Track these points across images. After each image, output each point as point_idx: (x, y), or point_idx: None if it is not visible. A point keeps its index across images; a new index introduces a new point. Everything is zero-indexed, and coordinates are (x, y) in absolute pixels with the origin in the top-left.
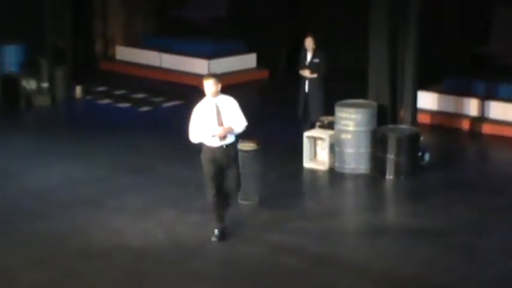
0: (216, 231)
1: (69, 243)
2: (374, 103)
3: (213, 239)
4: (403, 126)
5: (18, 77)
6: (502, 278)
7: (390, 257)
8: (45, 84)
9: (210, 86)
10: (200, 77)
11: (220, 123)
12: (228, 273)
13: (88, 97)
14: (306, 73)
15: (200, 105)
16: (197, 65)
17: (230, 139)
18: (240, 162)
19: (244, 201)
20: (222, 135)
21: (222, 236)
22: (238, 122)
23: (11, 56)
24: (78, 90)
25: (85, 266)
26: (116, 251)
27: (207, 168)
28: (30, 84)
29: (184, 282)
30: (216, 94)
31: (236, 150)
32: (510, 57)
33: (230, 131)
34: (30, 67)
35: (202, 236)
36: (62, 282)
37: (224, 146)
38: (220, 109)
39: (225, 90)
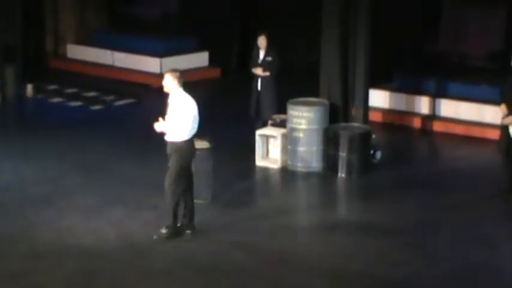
0: (166, 229)
1: (18, 242)
2: (326, 101)
3: (160, 236)
4: (354, 124)
5: None
6: (452, 275)
7: (342, 253)
8: None
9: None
10: (152, 76)
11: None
12: (180, 271)
13: (39, 95)
14: (258, 71)
15: None
16: (149, 63)
17: (169, 137)
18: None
19: (197, 200)
20: (157, 130)
21: (171, 235)
22: (168, 123)
23: None
24: (29, 88)
25: (34, 265)
26: (66, 250)
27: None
28: None
29: (135, 280)
30: (168, 90)
31: (174, 150)
32: (459, 55)
33: (163, 129)
34: None
35: (154, 234)
36: (10, 282)
37: (167, 142)
38: (169, 106)
39: None
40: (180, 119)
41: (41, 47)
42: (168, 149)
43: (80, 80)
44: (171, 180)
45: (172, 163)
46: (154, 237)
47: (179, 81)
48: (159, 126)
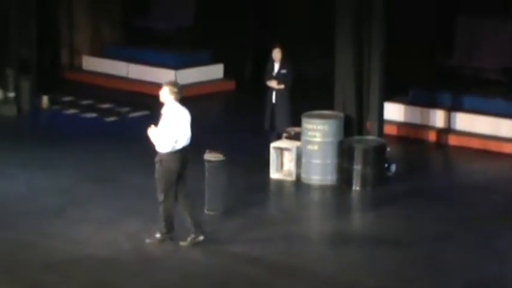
0: (160, 235)
1: (32, 253)
2: (341, 114)
3: (152, 240)
4: (369, 137)
5: None
6: None
7: (354, 267)
8: (11, 94)
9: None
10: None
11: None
12: (192, 283)
13: (54, 107)
14: (273, 84)
15: None
16: (164, 76)
17: (156, 147)
18: (206, 172)
19: (209, 212)
20: (150, 136)
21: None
22: (157, 134)
23: None
24: (45, 100)
25: (48, 276)
26: (79, 261)
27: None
28: None
29: None
30: (163, 101)
31: (159, 160)
32: (474, 68)
33: (152, 137)
34: None
35: (167, 246)
36: None
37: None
38: (161, 116)
39: (191, 100)
40: (166, 132)
41: (56, 59)
42: (155, 158)
43: (95, 91)
44: (160, 189)
45: (158, 174)
46: (147, 240)
47: (176, 96)
48: (151, 132)
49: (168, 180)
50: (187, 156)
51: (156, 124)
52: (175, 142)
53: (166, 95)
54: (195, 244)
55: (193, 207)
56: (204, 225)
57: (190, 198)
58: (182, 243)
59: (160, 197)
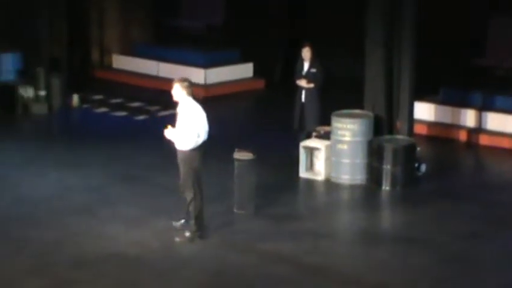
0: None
1: (63, 251)
2: (370, 113)
3: (182, 239)
4: (399, 136)
5: (16, 85)
6: None
7: (385, 268)
8: (42, 93)
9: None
10: (196, 87)
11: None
12: (222, 282)
13: (84, 105)
14: (302, 83)
15: None
16: (193, 75)
17: (177, 146)
18: (235, 171)
19: (239, 211)
20: (167, 137)
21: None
22: (177, 132)
23: (8, 64)
24: (75, 98)
25: (78, 274)
26: (109, 260)
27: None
28: (27, 92)
29: None
30: (177, 99)
31: (183, 158)
32: (506, 68)
33: (172, 137)
34: (27, 75)
35: (196, 245)
36: None
37: (177, 151)
38: (178, 115)
39: (221, 99)
40: (187, 129)
41: (86, 57)
42: (178, 157)
43: (125, 90)
44: (188, 186)
45: (185, 172)
46: (177, 239)
47: (188, 91)
48: (168, 133)
49: (195, 177)
50: (205, 151)
51: (173, 124)
52: (198, 137)
53: (178, 91)
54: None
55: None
56: (233, 224)
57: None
58: (177, 239)
59: (190, 194)
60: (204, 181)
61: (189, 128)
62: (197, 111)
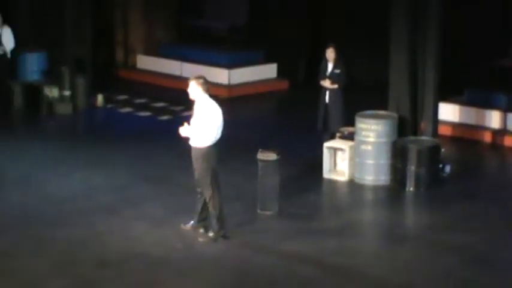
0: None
1: (87, 250)
2: (395, 114)
3: (205, 239)
4: (423, 137)
5: (41, 85)
6: None
7: (409, 269)
8: (67, 92)
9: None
10: (220, 87)
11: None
12: (245, 283)
13: (109, 105)
14: (326, 84)
15: None
16: (217, 75)
17: (193, 142)
18: (259, 172)
19: (263, 211)
20: (182, 134)
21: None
22: (193, 129)
23: (33, 64)
24: (100, 98)
25: (102, 273)
26: (133, 259)
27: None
28: (52, 92)
29: None
30: (193, 97)
31: (199, 155)
32: None
33: (188, 134)
34: (52, 75)
35: (220, 245)
36: None
37: (191, 147)
38: (194, 112)
39: (244, 100)
40: (204, 126)
41: (111, 57)
42: (193, 154)
43: (149, 90)
44: (206, 184)
45: (202, 169)
46: (200, 239)
47: (204, 88)
48: (183, 131)
49: (212, 174)
50: (220, 149)
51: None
52: (216, 132)
53: (194, 88)
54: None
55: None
56: (256, 224)
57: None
58: (200, 239)
59: (209, 192)
60: (227, 181)
61: (205, 124)
62: (213, 107)
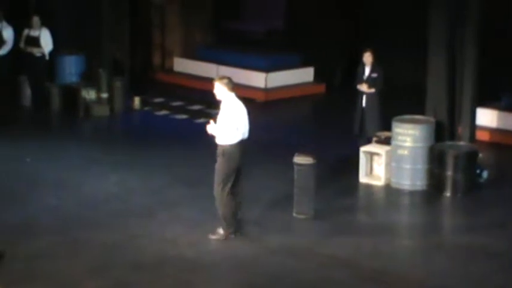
0: (232, 230)
1: (122, 252)
2: (432, 119)
3: (216, 237)
4: (461, 143)
5: (78, 87)
6: None
7: (445, 275)
8: (104, 95)
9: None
10: (257, 90)
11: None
12: (279, 286)
13: (146, 108)
14: (363, 88)
15: None
16: (254, 78)
17: (217, 140)
18: (295, 175)
19: (299, 215)
20: (208, 132)
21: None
22: (217, 127)
23: (71, 66)
24: (137, 101)
25: (136, 276)
26: (168, 262)
27: None
28: (89, 94)
29: None
30: (220, 97)
31: (221, 153)
32: None
33: (213, 132)
34: (89, 77)
35: (255, 248)
36: None
37: (217, 145)
38: (219, 111)
39: (281, 103)
40: (227, 124)
41: (148, 60)
42: (217, 152)
43: (186, 93)
44: (218, 181)
45: (219, 166)
46: (211, 237)
47: (229, 87)
48: (210, 128)
49: (227, 171)
50: (245, 150)
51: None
52: (237, 131)
53: (220, 88)
54: (222, 239)
55: (239, 207)
56: (292, 228)
57: (239, 196)
58: (212, 236)
59: (218, 188)
60: (264, 184)
61: (228, 122)
62: (238, 106)
